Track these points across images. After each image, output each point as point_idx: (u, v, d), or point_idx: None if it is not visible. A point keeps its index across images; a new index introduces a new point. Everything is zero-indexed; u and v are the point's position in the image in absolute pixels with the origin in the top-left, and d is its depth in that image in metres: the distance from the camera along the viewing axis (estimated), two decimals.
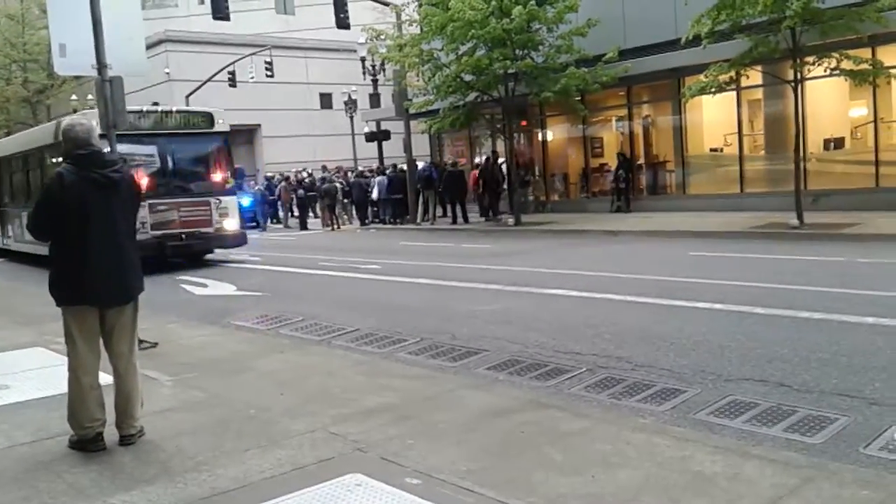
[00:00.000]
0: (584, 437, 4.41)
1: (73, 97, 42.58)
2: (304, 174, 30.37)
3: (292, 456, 4.28)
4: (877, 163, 17.00)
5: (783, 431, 4.54)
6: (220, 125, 15.98)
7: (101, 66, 7.50)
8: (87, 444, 4.57)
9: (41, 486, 4.09)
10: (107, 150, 6.52)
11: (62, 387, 5.85)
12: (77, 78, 40.45)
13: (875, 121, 17.16)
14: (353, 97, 37.84)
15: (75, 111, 43.21)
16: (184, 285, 12.52)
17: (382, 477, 3.88)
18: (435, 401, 5.26)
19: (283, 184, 28.97)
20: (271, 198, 29.32)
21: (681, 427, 4.63)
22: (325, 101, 47.29)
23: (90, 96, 39.30)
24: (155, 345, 7.27)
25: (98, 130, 4.72)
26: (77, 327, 4.57)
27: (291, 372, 6.28)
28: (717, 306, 8.13)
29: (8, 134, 47.20)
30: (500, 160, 23.77)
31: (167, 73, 41.19)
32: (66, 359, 4.73)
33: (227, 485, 3.92)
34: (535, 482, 3.78)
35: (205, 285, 12.46)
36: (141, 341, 7.16)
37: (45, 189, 4.67)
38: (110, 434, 4.66)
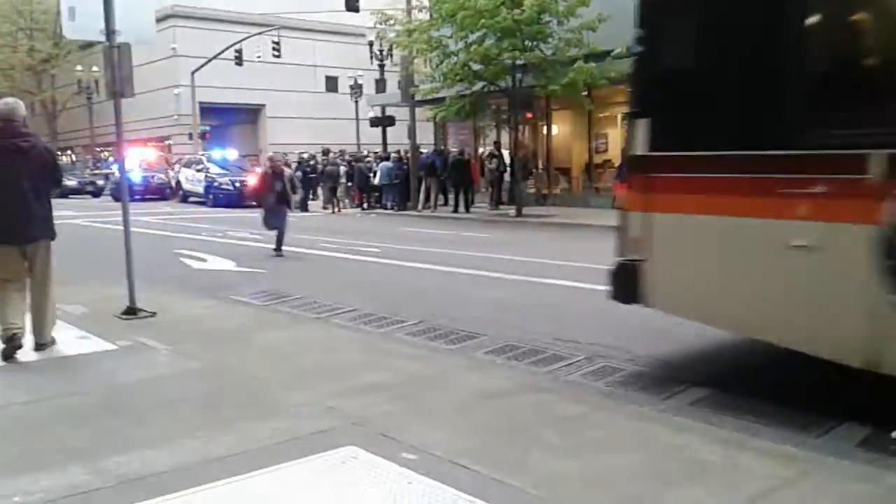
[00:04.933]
0: (581, 421, 4.41)
1: (79, 67, 42.47)
2: (306, 156, 30.34)
3: (289, 427, 4.27)
4: None
5: (782, 426, 4.53)
6: None
7: (109, 31, 7.44)
8: (6, 342, 5.74)
9: (36, 445, 4.08)
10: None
11: (59, 350, 5.90)
12: (83, 48, 40.41)
13: None
14: (360, 82, 37.75)
15: (80, 82, 43.27)
16: (183, 259, 12.49)
17: (378, 451, 3.87)
18: (432, 381, 5.26)
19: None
20: None
21: (678, 417, 4.62)
22: (331, 84, 47.26)
23: (95, 68, 39.19)
24: (153, 314, 7.26)
25: (22, 110, 5.95)
26: None
27: (289, 346, 6.27)
28: None
29: None
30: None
31: (173, 49, 41.04)
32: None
33: (223, 451, 3.92)
34: (530, 462, 3.78)
35: (204, 260, 12.44)
36: (139, 310, 7.25)
37: None
38: None
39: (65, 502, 3.38)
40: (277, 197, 13.16)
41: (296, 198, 14.97)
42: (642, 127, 5.35)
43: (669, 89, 5.37)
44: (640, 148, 5.37)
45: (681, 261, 5.26)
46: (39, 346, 5.98)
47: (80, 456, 3.88)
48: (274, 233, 12.96)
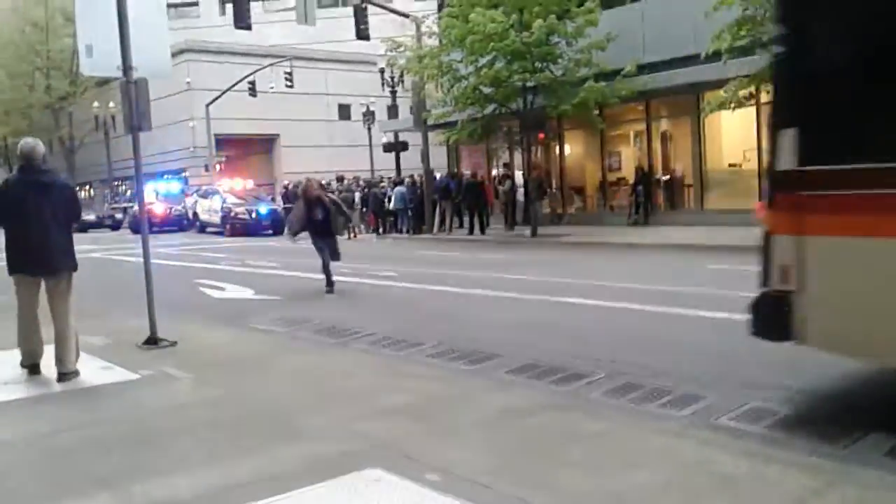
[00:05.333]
0: (605, 438, 4.38)
1: (95, 104, 43.08)
2: (324, 182, 30.52)
3: (312, 451, 4.28)
4: None
5: (806, 437, 4.49)
6: None
7: (126, 67, 7.57)
8: (28, 368, 6.23)
9: (62, 474, 4.12)
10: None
11: (82, 381, 5.96)
12: (99, 85, 41.01)
13: None
14: (372, 108, 38.08)
15: (97, 118, 43.86)
16: (202, 288, 12.57)
17: (402, 472, 3.87)
18: (454, 401, 5.26)
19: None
20: (287, 206, 29.55)
21: (702, 431, 4.59)
22: (344, 111, 47.68)
23: (112, 104, 39.77)
24: (174, 343, 7.31)
25: (41, 148, 6.28)
26: (19, 289, 6.21)
27: (310, 371, 6.30)
28: (736, 316, 8.04)
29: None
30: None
31: (188, 83, 41.58)
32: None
33: (246, 477, 3.93)
34: (555, 480, 3.76)
35: (223, 289, 12.51)
36: (160, 339, 7.30)
37: None
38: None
39: None
40: (318, 228, 11.20)
41: (348, 220, 12.80)
42: (789, 138, 4.56)
43: (827, 92, 4.53)
44: (787, 162, 4.58)
45: (847, 291, 4.43)
46: (62, 377, 6.05)
47: (105, 484, 3.91)
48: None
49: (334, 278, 11.42)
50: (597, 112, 20.45)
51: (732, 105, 15.81)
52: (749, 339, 7.12)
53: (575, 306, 9.40)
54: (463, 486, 3.67)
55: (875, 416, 4.69)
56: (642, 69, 19.32)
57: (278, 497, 3.64)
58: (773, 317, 4.80)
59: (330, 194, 12.86)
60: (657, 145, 22.37)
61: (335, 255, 11.40)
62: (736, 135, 20.08)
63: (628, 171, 22.57)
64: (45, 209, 6.07)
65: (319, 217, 11.12)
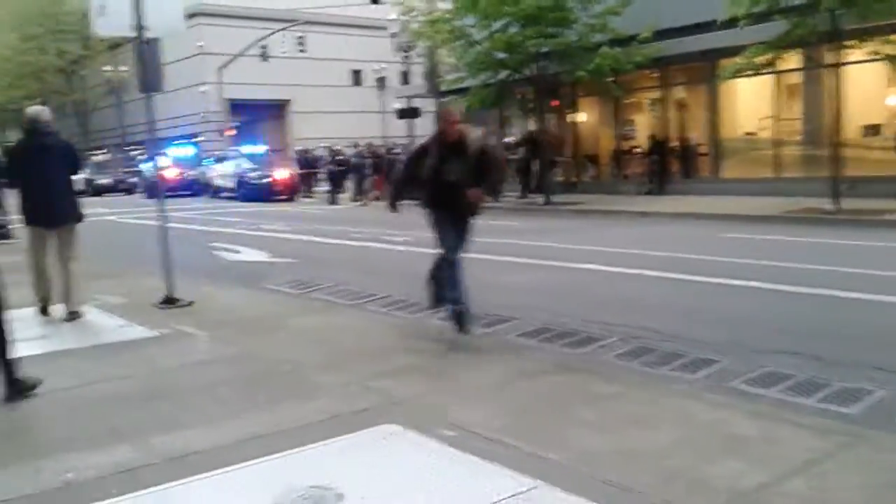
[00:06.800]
0: (617, 400, 4.42)
1: (108, 67, 43.01)
2: (337, 149, 30.45)
3: (327, 406, 4.35)
4: None
5: (818, 402, 4.51)
6: None
7: (139, 26, 7.55)
8: (41, 310, 6.98)
9: (86, 426, 4.20)
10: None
11: (100, 338, 6.05)
12: (111, 48, 40.93)
13: None
14: (384, 74, 37.86)
15: (109, 81, 43.84)
16: (217, 251, 12.65)
17: (418, 428, 3.92)
18: (467, 362, 5.31)
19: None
20: (301, 171, 29.58)
21: (714, 394, 4.62)
22: (356, 77, 47.43)
23: (122, 67, 39.73)
24: (191, 303, 7.38)
25: (47, 114, 6.94)
26: (30, 239, 7.04)
27: (324, 331, 6.35)
28: (752, 283, 8.06)
29: (43, 104, 48.20)
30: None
31: (200, 46, 41.40)
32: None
33: (263, 430, 3.99)
34: (567, 438, 3.81)
35: (238, 252, 12.58)
36: (177, 299, 7.38)
37: (7, 152, 7.31)
38: None
39: (114, 478, 3.48)
40: (447, 197, 5.96)
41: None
42: None
43: None
44: None
45: None
46: (72, 315, 6.83)
47: (127, 436, 3.99)
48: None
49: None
50: (612, 79, 20.23)
51: (749, 72, 15.60)
52: (762, 306, 7.16)
53: (587, 272, 9.41)
54: (478, 442, 3.73)
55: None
56: (658, 35, 19.05)
57: (296, 450, 3.71)
58: None
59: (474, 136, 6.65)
60: (672, 113, 22.14)
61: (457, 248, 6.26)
62: (752, 103, 19.85)
63: (643, 140, 22.38)
64: (49, 168, 6.74)
65: (452, 178, 5.93)
